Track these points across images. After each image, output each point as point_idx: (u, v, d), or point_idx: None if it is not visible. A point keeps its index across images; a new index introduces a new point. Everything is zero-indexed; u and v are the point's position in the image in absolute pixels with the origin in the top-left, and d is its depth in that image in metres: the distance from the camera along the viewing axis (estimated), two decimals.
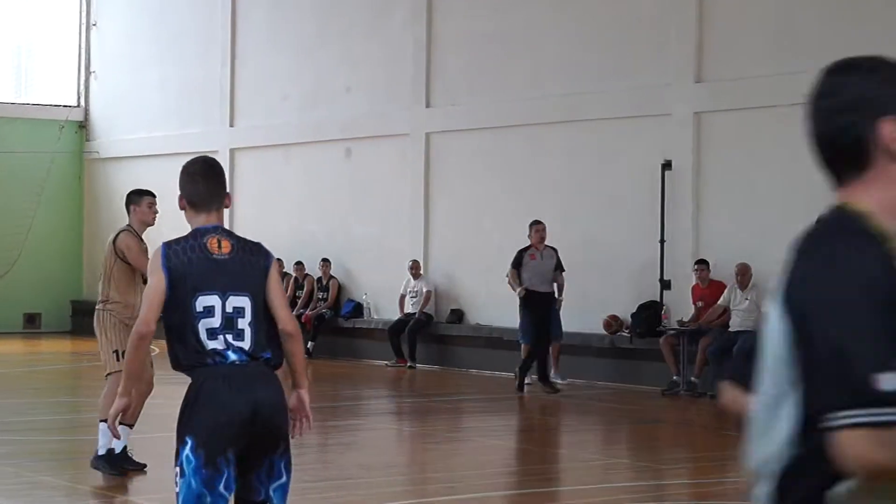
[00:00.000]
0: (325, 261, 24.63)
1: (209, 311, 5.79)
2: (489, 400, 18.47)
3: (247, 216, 26.74)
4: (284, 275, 25.15)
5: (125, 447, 11.08)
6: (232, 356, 5.77)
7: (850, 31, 17.96)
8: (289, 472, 5.82)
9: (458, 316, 22.79)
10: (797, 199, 18.36)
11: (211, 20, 27.67)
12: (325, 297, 24.58)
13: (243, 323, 5.81)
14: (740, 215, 19.08)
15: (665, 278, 19.55)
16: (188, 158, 6.27)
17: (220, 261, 5.88)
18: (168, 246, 5.91)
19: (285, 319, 5.97)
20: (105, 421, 9.33)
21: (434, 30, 23.41)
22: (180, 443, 5.75)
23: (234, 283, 5.85)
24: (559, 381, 19.13)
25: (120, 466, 11.13)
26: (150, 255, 6.62)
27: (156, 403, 10.97)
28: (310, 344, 24.21)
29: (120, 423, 8.24)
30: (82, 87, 30.86)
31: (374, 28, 24.49)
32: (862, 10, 17.94)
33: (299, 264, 24.82)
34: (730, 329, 18.08)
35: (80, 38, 30.90)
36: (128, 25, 30.08)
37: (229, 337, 5.78)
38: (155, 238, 8.08)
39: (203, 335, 5.77)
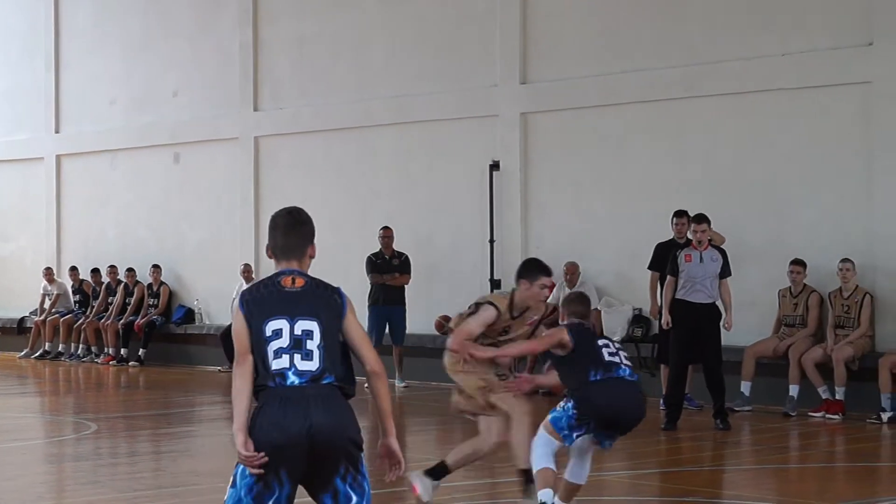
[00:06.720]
0: (156, 267, 24.39)
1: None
2: None
3: (74, 223, 26.38)
4: (119, 282, 24.86)
5: None
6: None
7: (668, 33, 18.38)
8: (360, 493, 5.72)
9: None
10: (622, 197, 18.73)
11: (33, 23, 27.19)
12: (155, 303, 24.34)
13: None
14: (567, 215, 19.37)
15: (495, 278, 19.75)
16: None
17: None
18: None
19: None
20: None
21: (261, 32, 23.34)
22: None
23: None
24: (401, 385, 19.38)
25: None
26: None
27: None
28: (141, 351, 23.99)
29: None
30: None
31: (202, 31, 24.32)
32: (680, 11, 18.32)
33: (130, 271, 24.54)
34: None
35: None
36: None
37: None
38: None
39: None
